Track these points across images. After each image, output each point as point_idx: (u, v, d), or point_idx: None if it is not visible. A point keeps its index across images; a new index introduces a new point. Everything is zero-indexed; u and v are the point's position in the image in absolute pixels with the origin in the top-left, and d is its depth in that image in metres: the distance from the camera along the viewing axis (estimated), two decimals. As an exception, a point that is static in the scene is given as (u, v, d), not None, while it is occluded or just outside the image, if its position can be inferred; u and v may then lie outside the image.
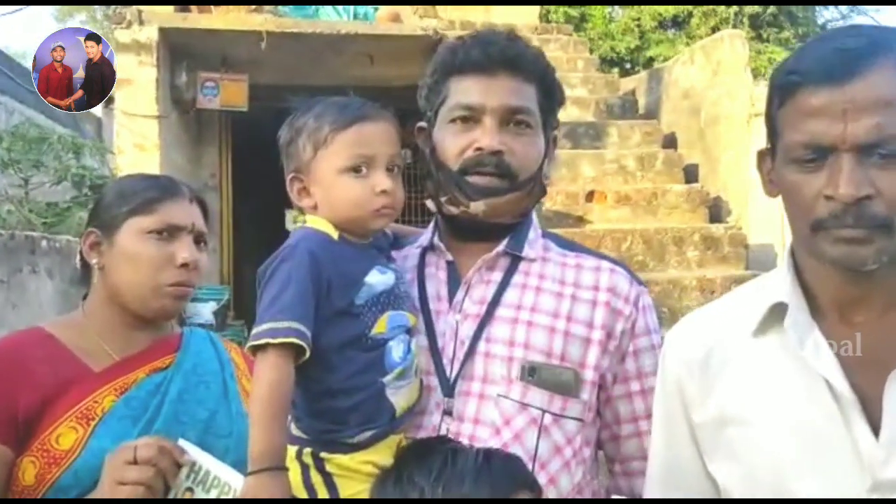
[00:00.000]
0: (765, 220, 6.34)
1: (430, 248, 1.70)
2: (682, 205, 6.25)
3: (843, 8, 14.44)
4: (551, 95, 1.68)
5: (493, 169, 1.57)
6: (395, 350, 1.51)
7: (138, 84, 7.03)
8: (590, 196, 5.96)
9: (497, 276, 1.64)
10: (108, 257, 1.70)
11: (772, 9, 13.05)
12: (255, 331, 1.41)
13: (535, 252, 1.66)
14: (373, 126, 1.54)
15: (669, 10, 13.45)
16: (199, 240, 1.74)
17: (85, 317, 1.73)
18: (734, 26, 12.02)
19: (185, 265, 1.68)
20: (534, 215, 1.73)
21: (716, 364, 1.38)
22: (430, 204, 1.71)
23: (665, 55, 12.92)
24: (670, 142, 7.29)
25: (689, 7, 13.23)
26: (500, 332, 1.57)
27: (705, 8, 13.17)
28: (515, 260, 1.65)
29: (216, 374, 1.77)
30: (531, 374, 1.53)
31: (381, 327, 1.50)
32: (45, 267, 4.56)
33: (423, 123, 1.71)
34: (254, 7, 7.43)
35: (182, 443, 1.48)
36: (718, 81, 6.77)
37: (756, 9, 13.00)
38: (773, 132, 1.31)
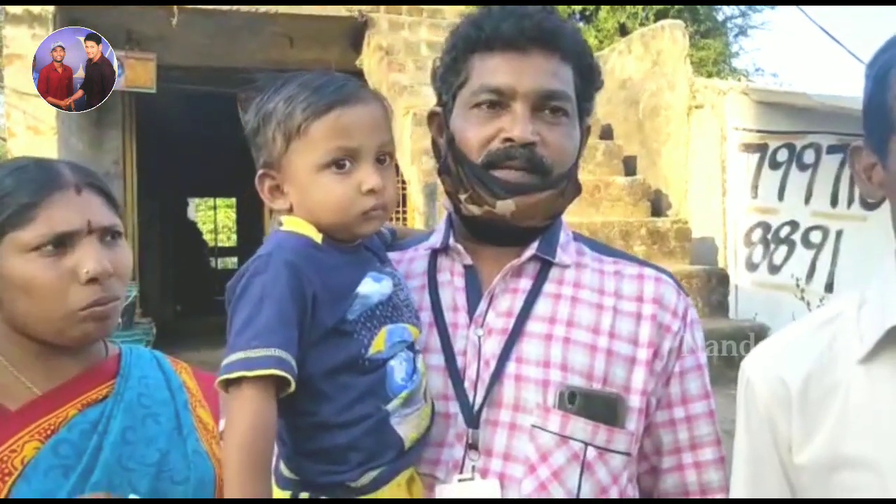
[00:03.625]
0: (704, 214, 6.33)
1: (444, 250, 1.47)
2: (624, 197, 6.15)
3: (743, 5, 14.93)
4: (589, 78, 1.45)
5: (524, 163, 1.36)
6: (398, 370, 1.28)
7: (31, 60, 6.35)
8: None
9: (525, 283, 1.42)
10: None
11: (677, 5, 13.35)
12: (225, 362, 1.17)
13: (569, 257, 1.45)
14: (356, 110, 1.29)
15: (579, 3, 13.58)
16: (108, 235, 1.36)
17: None
18: (641, 22, 12.22)
19: (94, 279, 1.30)
20: (563, 218, 1.51)
21: (817, 396, 1.20)
22: (445, 203, 1.49)
23: (575, 47, 13.01)
24: (606, 133, 7.20)
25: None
26: (533, 350, 1.36)
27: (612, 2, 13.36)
28: (546, 266, 1.44)
29: (167, 404, 1.45)
30: (571, 400, 1.33)
31: (378, 345, 1.27)
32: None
33: (437, 108, 1.49)
34: (164, -20, 6.85)
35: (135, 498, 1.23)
36: (657, 72, 6.71)
37: (662, 5, 13.26)
38: (885, 124, 1.13)
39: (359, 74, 7.18)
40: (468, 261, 1.44)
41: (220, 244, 24.10)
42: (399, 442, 1.27)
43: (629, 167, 6.80)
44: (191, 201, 20.62)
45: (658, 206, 6.56)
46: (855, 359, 1.17)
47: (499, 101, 1.37)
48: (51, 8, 6.48)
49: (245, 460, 1.14)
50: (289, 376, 1.16)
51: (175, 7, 6.66)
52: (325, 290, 1.24)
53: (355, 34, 7.52)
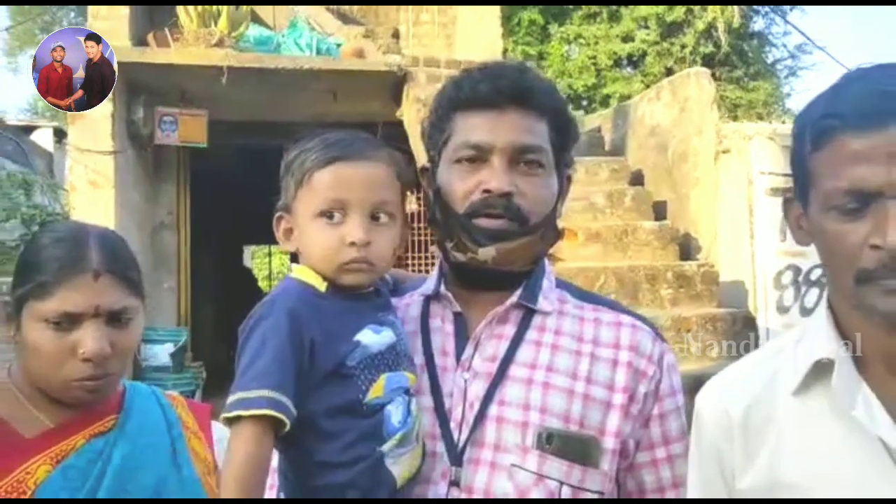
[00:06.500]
0: (734, 258, 6.35)
1: (436, 297, 1.58)
2: (652, 242, 6.20)
3: (792, 47, 14.93)
4: (565, 132, 1.56)
5: (503, 211, 1.46)
6: (395, 414, 1.37)
7: (93, 118, 6.82)
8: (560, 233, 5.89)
9: (509, 330, 1.52)
10: (20, 337, 1.51)
11: (724, 48, 13.42)
12: (228, 400, 1.29)
13: (551, 304, 1.54)
14: (355, 166, 1.40)
15: (625, 49, 13.80)
16: (118, 316, 1.51)
17: (11, 380, 1.55)
18: (689, 65, 12.28)
19: (88, 359, 1.47)
20: (547, 263, 1.61)
21: (756, 426, 1.29)
22: (435, 251, 1.61)
23: (621, 93, 13.20)
24: (637, 179, 7.27)
25: (644, 46, 13.55)
26: (514, 393, 1.45)
27: (659, 47, 13.54)
28: (529, 313, 1.53)
29: (163, 435, 1.61)
30: (548, 441, 1.41)
31: (377, 391, 1.37)
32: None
33: (426, 164, 1.62)
34: (215, 42, 7.27)
35: None
36: (685, 118, 6.78)
37: (709, 48, 13.37)
38: (804, 178, 1.24)
39: (399, 125, 7.45)
40: (457, 308, 1.54)
41: (276, 290, 24.46)
42: (392, 481, 1.34)
43: (659, 212, 6.83)
44: (246, 249, 21.17)
45: (687, 250, 6.55)
46: (788, 392, 1.27)
47: (478, 156, 1.48)
48: (110, 70, 6.92)
49: (240, 487, 1.25)
50: (281, 416, 1.26)
51: (225, 67, 7.04)
52: (324, 335, 1.34)
53: (395, 87, 7.78)
